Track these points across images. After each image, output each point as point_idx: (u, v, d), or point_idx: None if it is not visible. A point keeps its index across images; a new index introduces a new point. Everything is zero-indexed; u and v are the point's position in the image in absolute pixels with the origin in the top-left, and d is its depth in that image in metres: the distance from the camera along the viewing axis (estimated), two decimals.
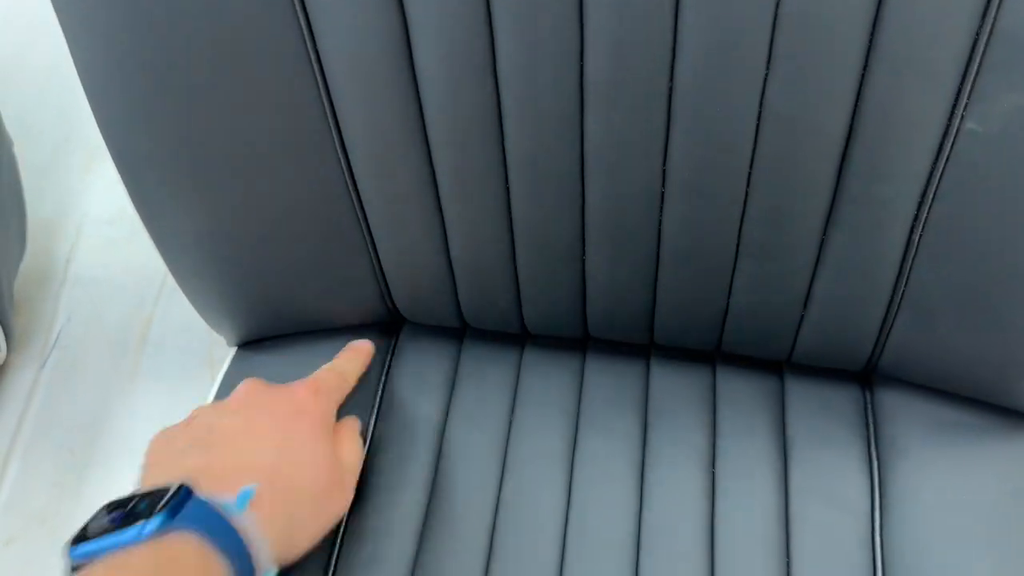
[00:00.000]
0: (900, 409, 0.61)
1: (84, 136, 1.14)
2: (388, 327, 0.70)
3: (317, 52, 0.49)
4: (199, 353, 0.98)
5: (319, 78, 0.50)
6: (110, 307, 1.02)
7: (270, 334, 0.68)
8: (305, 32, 0.48)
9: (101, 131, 0.53)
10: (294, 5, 0.47)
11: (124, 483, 0.89)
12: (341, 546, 0.59)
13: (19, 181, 0.91)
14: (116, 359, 0.98)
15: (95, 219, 1.08)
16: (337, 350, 0.67)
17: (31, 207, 0.95)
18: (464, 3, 0.46)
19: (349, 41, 0.48)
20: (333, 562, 0.59)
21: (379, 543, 0.59)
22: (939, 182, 0.48)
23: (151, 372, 0.97)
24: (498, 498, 0.61)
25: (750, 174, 0.49)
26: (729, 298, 0.57)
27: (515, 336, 0.68)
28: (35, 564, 0.88)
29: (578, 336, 0.66)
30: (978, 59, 0.43)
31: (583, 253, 0.57)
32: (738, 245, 0.53)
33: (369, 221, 0.58)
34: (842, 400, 0.63)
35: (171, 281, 1.03)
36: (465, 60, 0.48)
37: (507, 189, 0.54)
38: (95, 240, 1.06)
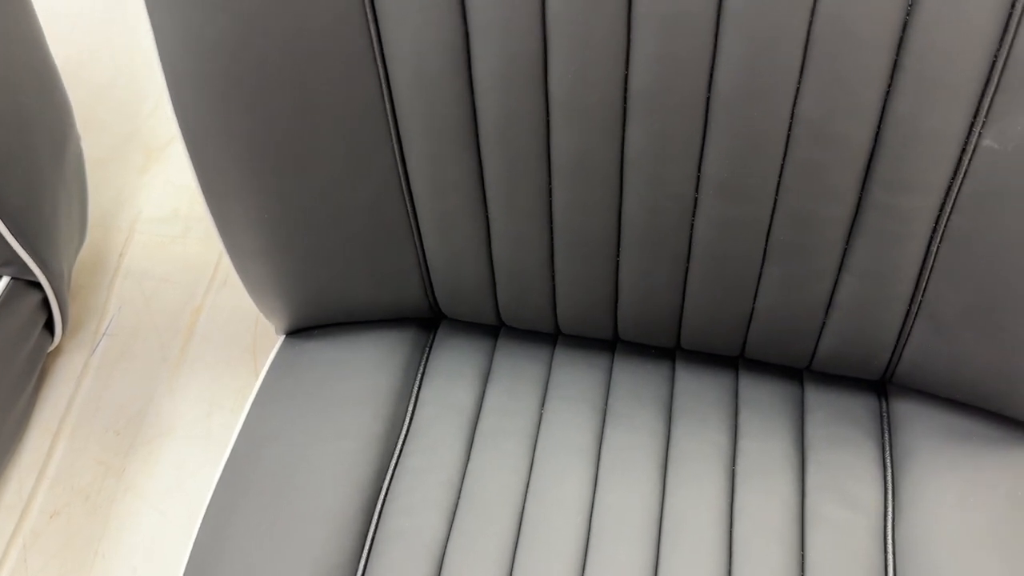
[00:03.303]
0: (914, 418, 0.64)
1: (143, 138, 1.19)
2: (427, 323, 0.74)
3: (384, 57, 0.53)
4: (243, 345, 1.02)
5: (383, 81, 0.54)
6: (159, 300, 1.06)
7: (317, 323, 0.72)
8: (374, 38, 0.52)
9: (178, 121, 0.58)
10: (366, 14, 0.52)
11: (166, 464, 0.94)
12: (379, 520, 0.62)
13: (84, 173, 0.97)
14: (163, 348, 1.02)
15: (149, 217, 1.13)
16: (378, 341, 0.71)
17: (89, 200, 1.00)
18: (522, 17, 0.50)
19: (414, 48, 0.52)
20: (370, 534, 0.62)
21: (413, 519, 0.62)
22: (957, 195, 0.51)
23: (196, 361, 1.01)
24: (527, 483, 0.64)
25: (780, 179, 0.53)
26: (755, 301, 0.61)
27: (547, 336, 0.72)
28: (78, 538, 0.91)
29: (608, 338, 0.69)
30: (995, 81, 0.47)
31: (618, 255, 0.61)
32: (766, 248, 0.57)
33: (419, 217, 0.62)
34: (859, 408, 0.66)
35: (219, 277, 1.08)
36: (520, 69, 0.52)
37: (550, 191, 0.58)
38: (148, 237, 1.11)
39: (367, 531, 0.62)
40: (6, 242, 0.81)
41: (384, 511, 0.63)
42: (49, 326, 0.94)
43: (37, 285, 0.88)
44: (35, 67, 0.86)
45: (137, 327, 1.04)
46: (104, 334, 1.03)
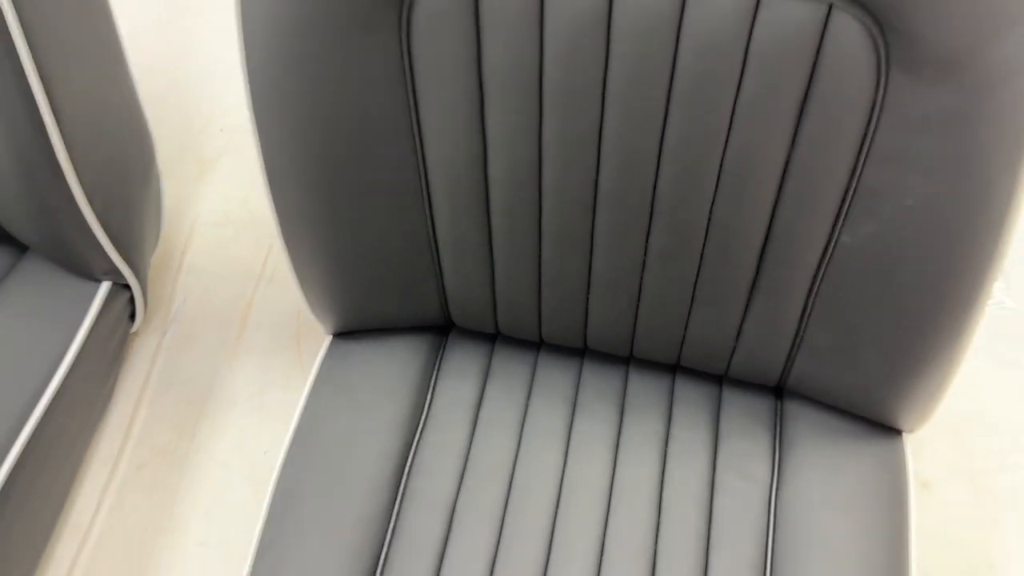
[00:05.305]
0: (800, 416, 0.86)
1: (198, 149, 1.32)
2: (442, 330, 0.94)
3: (423, 155, 0.73)
4: (288, 334, 1.19)
5: (421, 164, 0.73)
6: (216, 293, 1.21)
7: (357, 328, 0.92)
8: (416, 134, 0.71)
9: (262, 154, 0.71)
10: (411, 117, 0.70)
11: (229, 427, 1.15)
12: (406, 483, 0.84)
13: (160, 186, 1.10)
14: (222, 334, 1.18)
15: (205, 221, 1.27)
16: (405, 345, 0.91)
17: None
18: (526, 144, 0.70)
19: (445, 146, 0.72)
20: (400, 493, 0.83)
21: (431, 482, 0.84)
22: (825, 270, 0.73)
23: (250, 346, 1.17)
24: (515, 458, 0.86)
25: (700, 261, 0.74)
26: (686, 331, 0.82)
27: (533, 344, 0.92)
28: (160, 486, 1.08)
29: (579, 347, 0.91)
30: (849, 199, 0.67)
31: (588, 292, 0.82)
32: (693, 298, 0.78)
33: (440, 256, 0.82)
34: (760, 406, 0.88)
35: (266, 274, 1.26)
36: (523, 172, 0.71)
37: (539, 247, 0.79)
38: (205, 238, 1.24)
39: (397, 491, 0.83)
40: (108, 256, 0.96)
41: (410, 476, 0.84)
42: (131, 314, 1.09)
43: (127, 285, 1.04)
44: (124, 96, 0.97)
45: (198, 316, 1.18)
46: (172, 321, 1.17)
